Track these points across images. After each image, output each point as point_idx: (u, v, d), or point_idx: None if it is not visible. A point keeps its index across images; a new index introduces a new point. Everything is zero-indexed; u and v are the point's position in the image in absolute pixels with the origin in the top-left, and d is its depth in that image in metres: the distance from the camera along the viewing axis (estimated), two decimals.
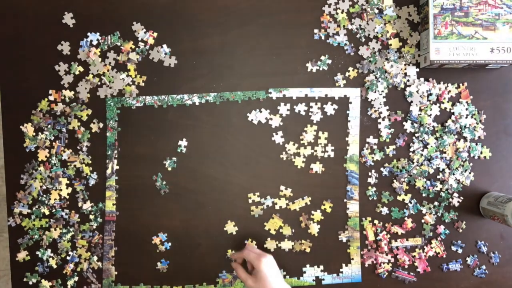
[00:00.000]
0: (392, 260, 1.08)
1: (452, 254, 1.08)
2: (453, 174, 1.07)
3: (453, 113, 1.07)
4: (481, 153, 1.08)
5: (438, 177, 1.08)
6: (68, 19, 1.06)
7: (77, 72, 1.07)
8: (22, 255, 1.08)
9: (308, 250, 1.08)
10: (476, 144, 1.07)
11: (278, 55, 1.07)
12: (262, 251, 0.99)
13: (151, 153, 1.07)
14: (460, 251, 1.08)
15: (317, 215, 1.08)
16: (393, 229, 1.07)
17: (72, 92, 1.07)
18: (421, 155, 1.07)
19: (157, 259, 1.08)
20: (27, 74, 1.07)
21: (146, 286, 1.08)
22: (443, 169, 1.07)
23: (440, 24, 0.99)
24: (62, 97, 1.07)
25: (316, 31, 1.07)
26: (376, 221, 1.08)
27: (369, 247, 1.08)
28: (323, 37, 1.07)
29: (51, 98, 1.07)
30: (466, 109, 1.07)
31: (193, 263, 1.08)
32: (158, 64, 1.07)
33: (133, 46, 1.07)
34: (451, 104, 1.07)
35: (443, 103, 1.07)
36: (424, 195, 1.08)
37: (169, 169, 1.08)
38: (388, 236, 1.08)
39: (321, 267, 1.08)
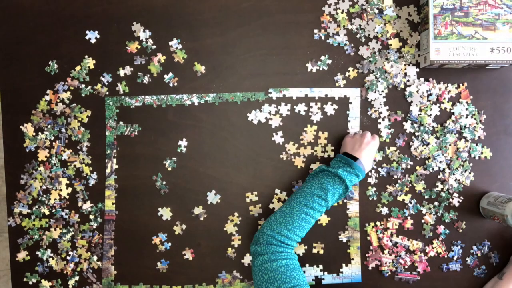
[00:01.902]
0: (395, 259, 1.08)
1: (452, 254, 1.08)
2: (453, 174, 1.07)
3: (453, 113, 1.07)
4: (482, 153, 1.08)
5: (438, 177, 1.08)
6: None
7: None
8: (22, 255, 1.08)
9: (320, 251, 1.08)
10: (477, 145, 1.07)
11: (278, 55, 1.07)
12: None
13: (151, 153, 1.07)
14: (460, 251, 1.08)
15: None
16: (389, 224, 1.07)
17: (69, 93, 1.07)
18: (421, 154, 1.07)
19: (157, 259, 1.08)
20: (27, 74, 1.07)
21: (146, 286, 1.08)
22: (443, 169, 1.07)
23: (440, 24, 0.99)
24: (58, 100, 1.07)
25: (316, 31, 1.07)
26: (378, 223, 1.08)
27: (373, 252, 1.08)
28: (323, 37, 1.07)
29: (47, 98, 1.07)
30: (466, 109, 1.07)
31: (193, 263, 1.08)
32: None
33: (139, 46, 1.07)
34: (451, 104, 1.07)
35: (443, 103, 1.07)
36: (426, 197, 1.07)
37: (169, 169, 1.08)
38: (389, 232, 1.08)
39: (321, 267, 1.08)
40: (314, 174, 0.98)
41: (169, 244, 1.08)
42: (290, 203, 0.94)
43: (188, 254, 1.08)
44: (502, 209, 0.97)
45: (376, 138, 1.03)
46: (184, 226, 1.08)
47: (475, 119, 1.07)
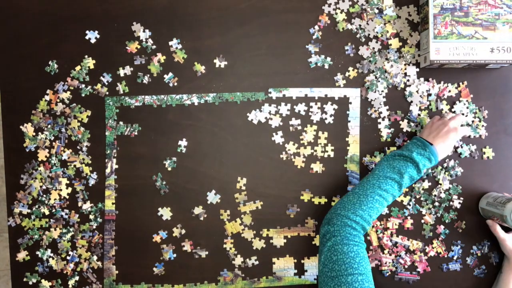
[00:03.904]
0: (395, 259, 1.08)
1: (452, 254, 1.08)
2: (450, 175, 1.07)
3: (453, 112, 1.07)
4: (484, 153, 1.07)
5: (434, 178, 1.08)
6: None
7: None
8: (22, 255, 1.08)
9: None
10: (467, 145, 1.07)
11: (278, 55, 1.07)
12: None
13: (151, 153, 1.07)
14: (460, 251, 1.08)
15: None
16: (389, 224, 1.07)
17: (69, 93, 1.07)
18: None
19: (157, 259, 1.08)
20: (27, 74, 1.07)
21: (147, 285, 1.08)
22: (441, 170, 1.07)
23: (440, 24, 0.99)
24: (58, 100, 1.07)
25: (316, 30, 1.07)
26: (378, 223, 1.08)
27: (373, 252, 1.08)
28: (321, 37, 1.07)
29: (47, 98, 1.07)
30: (467, 107, 1.07)
31: (194, 262, 1.08)
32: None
33: (139, 46, 1.07)
34: (451, 104, 1.07)
35: (442, 103, 1.07)
36: (423, 199, 1.08)
37: (169, 169, 1.08)
38: (389, 232, 1.08)
39: None
40: (387, 157, 0.97)
41: (174, 255, 1.08)
42: (363, 185, 0.94)
43: (187, 246, 1.08)
44: (501, 210, 0.97)
45: (459, 130, 0.98)
46: (183, 231, 1.08)
47: (478, 117, 1.07)
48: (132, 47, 1.07)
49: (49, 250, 1.08)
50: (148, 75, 1.07)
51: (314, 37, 1.07)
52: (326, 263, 0.86)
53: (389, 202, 0.94)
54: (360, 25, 1.07)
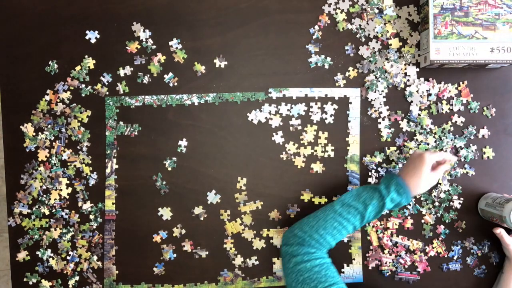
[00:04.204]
0: (395, 259, 1.08)
1: (452, 254, 1.08)
2: (450, 175, 1.07)
3: (452, 111, 1.07)
4: (484, 153, 1.07)
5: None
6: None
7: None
8: (22, 255, 1.08)
9: None
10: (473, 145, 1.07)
11: (278, 55, 1.07)
12: None
13: (151, 153, 1.08)
14: (460, 251, 1.08)
15: None
16: (389, 224, 1.07)
17: (69, 93, 1.07)
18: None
19: (158, 260, 1.08)
20: (27, 74, 1.07)
21: (148, 285, 1.08)
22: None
23: (440, 24, 0.99)
24: (58, 100, 1.07)
25: (316, 30, 1.07)
26: (378, 223, 1.08)
27: (373, 252, 1.08)
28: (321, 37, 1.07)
29: (47, 98, 1.07)
30: (468, 107, 1.07)
31: (194, 262, 1.08)
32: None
33: (139, 46, 1.07)
34: (451, 104, 1.07)
35: (442, 103, 1.07)
36: (422, 199, 1.08)
37: (169, 169, 1.08)
38: (389, 232, 1.08)
39: None
40: (362, 186, 0.95)
41: (174, 255, 1.08)
42: (326, 209, 0.93)
43: (188, 246, 1.08)
44: (500, 211, 0.97)
45: (429, 162, 0.93)
46: (183, 231, 1.08)
47: (486, 114, 1.07)
48: (132, 47, 1.07)
49: (49, 250, 1.08)
50: (148, 75, 1.07)
51: (314, 37, 1.07)
52: (293, 285, 0.86)
53: (350, 231, 0.92)
54: (360, 25, 1.07)
